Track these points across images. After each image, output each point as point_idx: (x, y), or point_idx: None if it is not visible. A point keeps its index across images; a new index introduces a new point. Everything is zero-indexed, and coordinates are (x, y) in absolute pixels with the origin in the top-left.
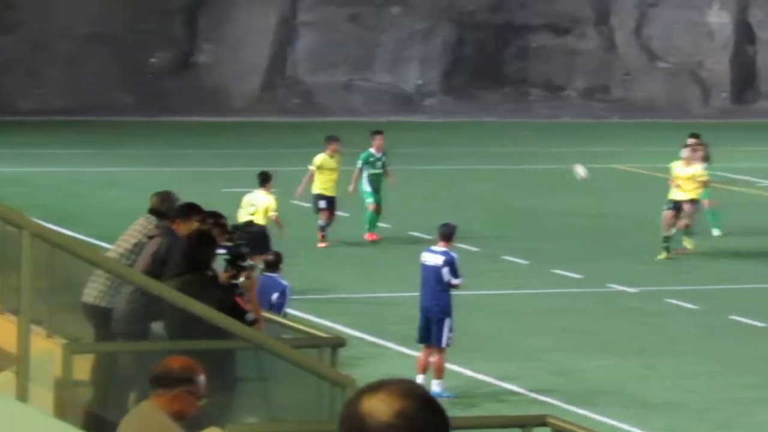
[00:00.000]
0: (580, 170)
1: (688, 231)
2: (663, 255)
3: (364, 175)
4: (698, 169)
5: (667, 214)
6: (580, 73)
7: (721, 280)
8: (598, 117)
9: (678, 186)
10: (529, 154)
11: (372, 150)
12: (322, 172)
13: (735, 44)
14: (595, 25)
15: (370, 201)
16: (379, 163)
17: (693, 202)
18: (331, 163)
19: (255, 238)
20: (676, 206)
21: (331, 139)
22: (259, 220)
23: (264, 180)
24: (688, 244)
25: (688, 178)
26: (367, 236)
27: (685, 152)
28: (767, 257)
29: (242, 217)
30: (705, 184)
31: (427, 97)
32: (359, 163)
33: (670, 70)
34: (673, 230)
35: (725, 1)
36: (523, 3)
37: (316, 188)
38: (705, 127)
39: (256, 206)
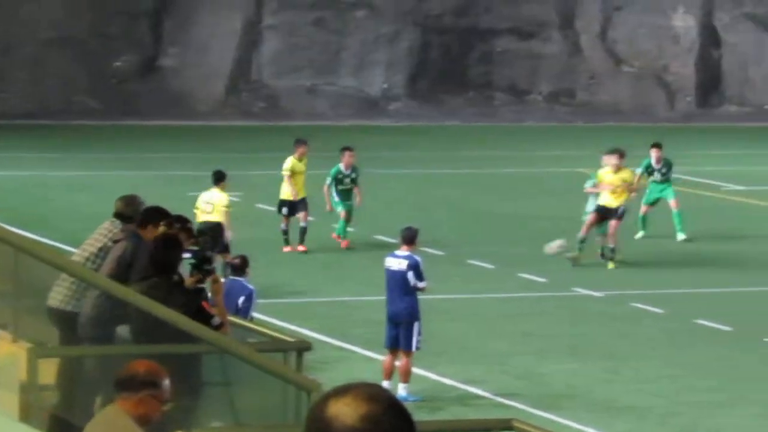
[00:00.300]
0: (554, 246)
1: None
2: (574, 253)
3: (333, 191)
4: (626, 175)
5: (592, 217)
6: (545, 77)
7: (686, 285)
8: (562, 121)
9: (611, 191)
10: (494, 157)
11: (341, 166)
12: (292, 176)
13: (700, 48)
14: (560, 29)
15: (340, 209)
16: (347, 180)
17: (620, 218)
18: (300, 166)
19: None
20: (602, 212)
21: (299, 142)
22: (217, 217)
23: (218, 179)
24: (611, 265)
25: (618, 184)
26: (342, 245)
27: (610, 159)
28: (732, 261)
29: (200, 216)
30: (632, 191)
31: (392, 101)
32: (328, 180)
33: (635, 74)
34: (598, 239)
35: (690, 5)
36: (488, 7)
37: (283, 194)
38: (670, 131)
39: (213, 204)
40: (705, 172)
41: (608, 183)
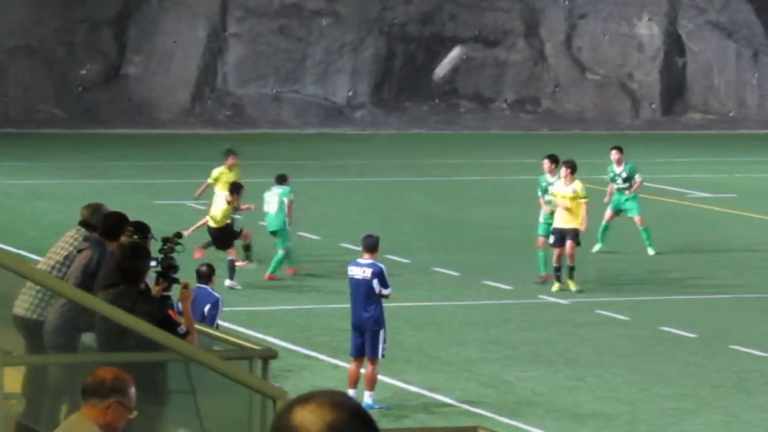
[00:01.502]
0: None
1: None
2: (556, 286)
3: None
4: (578, 187)
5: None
6: (510, 85)
7: (651, 292)
8: (527, 129)
9: (563, 208)
10: (459, 165)
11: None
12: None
13: (664, 56)
14: (525, 37)
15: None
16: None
17: (575, 239)
18: (230, 177)
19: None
20: (557, 235)
21: (229, 152)
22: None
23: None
24: (572, 286)
25: (570, 198)
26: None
27: (561, 171)
28: (696, 268)
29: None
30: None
31: (357, 109)
32: (292, 197)
33: (600, 81)
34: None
35: (654, 13)
36: (452, 15)
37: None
38: (634, 139)
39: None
40: (670, 179)
41: (561, 198)
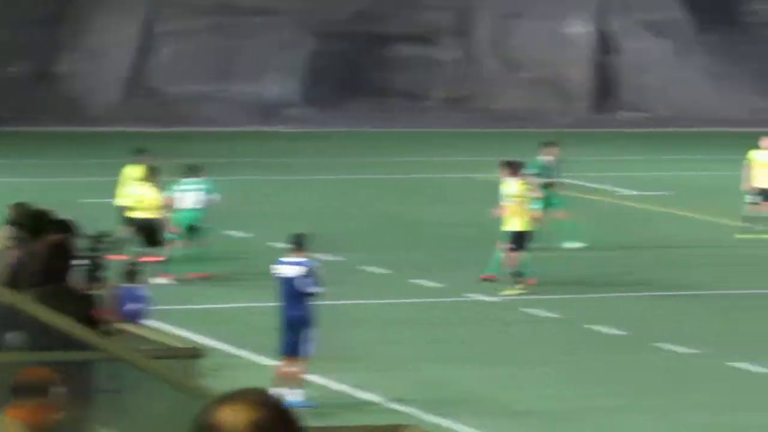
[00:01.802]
0: None
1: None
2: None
3: None
4: (517, 185)
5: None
6: (442, 83)
7: (578, 290)
8: (459, 127)
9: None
10: (391, 163)
11: None
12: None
13: (594, 54)
14: (457, 35)
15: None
16: None
17: (516, 242)
18: (137, 175)
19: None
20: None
21: (139, 152)
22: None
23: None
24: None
25: (516, 197)
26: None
27: (505, 171)
28: (625, 266)
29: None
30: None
31: (290, 107)
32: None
33: (531, 80)
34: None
35: (585, 12)
36: (384, 13)
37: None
38: (565, 137)
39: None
40: (599, 177)
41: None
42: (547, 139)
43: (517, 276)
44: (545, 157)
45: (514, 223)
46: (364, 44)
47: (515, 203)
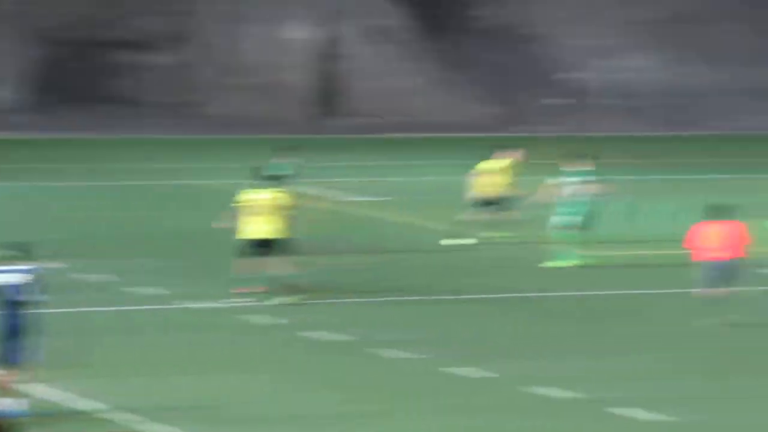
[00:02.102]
0: None
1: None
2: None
3: None
4: (269, 193)
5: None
6: (161, 89)
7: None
8: (178, 133)
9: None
10: (113, 170)
11: None
12: None
13: (318, 60)
14: (177, 41)
15: None
16: None
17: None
18: None
19: None
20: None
21: None
22: None
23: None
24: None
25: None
26: None
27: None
28: (345, 272)
29: None
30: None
31: (17, 114)
32: None
33: (253, 85)
34: None
35: (310, 17)
36: (102, 20)
37: None
38: (288, 143)
39: None
40: (321, 183)
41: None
42: (277, 146)
43: (290, 285)
44: (281, 161)
45: (260, 231)
46: (83, 50)
47: (259, 210)
